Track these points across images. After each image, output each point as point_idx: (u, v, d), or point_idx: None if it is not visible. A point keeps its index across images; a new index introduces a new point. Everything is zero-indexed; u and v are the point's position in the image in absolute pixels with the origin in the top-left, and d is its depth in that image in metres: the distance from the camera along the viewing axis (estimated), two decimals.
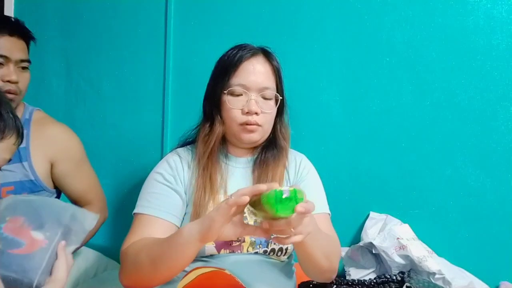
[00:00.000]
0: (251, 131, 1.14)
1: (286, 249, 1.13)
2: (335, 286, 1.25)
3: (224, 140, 1.20)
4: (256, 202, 0.85)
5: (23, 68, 1.30)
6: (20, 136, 0.97)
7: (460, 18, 1.48)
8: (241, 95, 1.13)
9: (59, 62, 1.87)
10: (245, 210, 0.85)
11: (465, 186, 1.48)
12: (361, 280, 1.32)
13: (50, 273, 0.89)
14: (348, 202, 1.55)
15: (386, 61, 1.54)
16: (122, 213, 1.73)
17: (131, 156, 1.76)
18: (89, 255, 1.53)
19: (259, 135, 1.16)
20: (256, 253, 1.11)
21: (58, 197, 1.44)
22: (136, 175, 1.72)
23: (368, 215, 1.53)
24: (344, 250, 1.49)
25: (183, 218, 1.13)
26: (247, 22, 1.65)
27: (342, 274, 1.50)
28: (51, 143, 1.35)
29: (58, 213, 0.95)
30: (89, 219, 0.98)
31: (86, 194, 1.43)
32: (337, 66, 1.57)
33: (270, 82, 1.15)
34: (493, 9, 1.46)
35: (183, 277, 0.94)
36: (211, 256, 1.09)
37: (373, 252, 1.44)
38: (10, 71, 1.25)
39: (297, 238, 0.87)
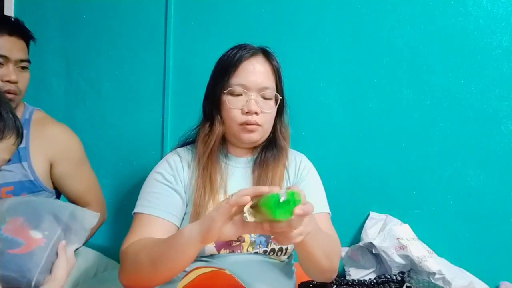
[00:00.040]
0: (251, 131, 1.14)
1: (286, 249, 1.13)
2: (335, 286, 1.25)
3: (224, 140, 1.20)
4: (255, 204, 0.85)
5: (23, 68, 1.30)
6: (19, 136, 0.97)
7: (460, 18, 1.48)
8: (241, 95, 1.13)
9: (59, 62, 1.87)
10: (244, 209, 0.85)
11: (465, 186, 1.48)
12: (361, 280, 1.32)
13: (50, 272, 0.89)
14: (348, 202, 1.55)
15: (386, 61, 1.54)
16: (122, 213, 1.73)
17: (131, 156, 1.76)
18: (89, 255, 1.53)
19: (259, 135, 1.16)
20: (256, 253, 1.11)
21: (58, 197, 1.44)
22: (136, 175, 1.72)
23: (368, 215, 1.53)
24: (344, 250, 1.49)
25: (183, 218, 1.13)
26: (247, 22, 1.65)
27: (342, 274, 1.50)
28: (51, 143, 1.35)
29: (58, 212, 0.95)
30: (89, 218, 0.98)
31: (85, 195, 1.42)
32: (337, 66, 1.57)
33: (270, 82, 1.15)
34: (493, 9, 1.46)
35: (183, 277, 0.94)
36: (211, 256, 1.09)
37: (373, 252, 1.44)
38: (10, 71, 1.25)
39: (297, 239, 0.87)
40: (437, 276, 1.33)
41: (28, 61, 1.31)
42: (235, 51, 1.15)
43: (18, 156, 1.29)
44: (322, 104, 1.59)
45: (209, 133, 1.16)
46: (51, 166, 1.36)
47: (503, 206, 1.45)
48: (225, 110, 1.14)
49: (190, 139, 1.25)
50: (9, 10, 1.91)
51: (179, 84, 1.72)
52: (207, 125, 1.18)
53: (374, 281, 1.29)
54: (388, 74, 1.53)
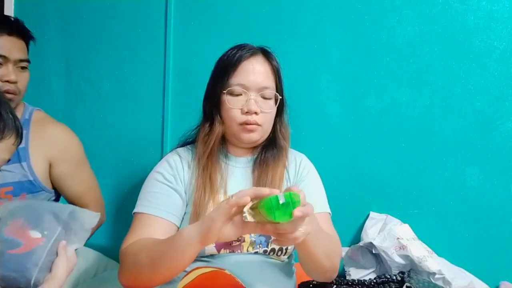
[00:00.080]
0: (251, 131, 1.14)
1: (286, 249, 1.13)
2: (335, 286, 1.25)
3: (224, 140, 1.20)
4: (255, 205, 0.85)
5: (22, 68, 1.29)
6: (19, 136, 0.97)
7: (460, 18, 1.48)
8: (241, 94, 1.13)
9: (59, 62, 1.87)
10: (244, 210, 0.85)
11: (465, 186, 1.48)
12: (361, 280, 1.32)
13: (50, 271, 0.90)
14: (348, 202, 1.55)
15: (386, 61, 1.54)
16: (122, 213, 1.73)
17: (131, 156, 1.76)
18: (89, 255, 1.52)
19: (259, 135, 1.16)
20: (256, 253, 1.11)
21: (57, 198, 1.44)
22: (136, 175, 1.72)
23: (368, 215, 1.53)
24: (344, 250, 1.49)
25: (182, 218, 1.13)
26: (247, 22, 1.65)
27: (342, 274, 1.50)
28: (51, 144, 1.34)
29: (57, 211, 0.96)
30: (89, 218, 0.99)
31: (84, 196, 1.42)
32: (337, 66, 1.57)
33: (270, 82, 1.15)
34: (493, 9, 1.46)
35: (183, 277, 0.94)
36: (211, 256, 1.09)
37: (373, 252, 1.44)
38: (9, 71, 1.24)
39: (298, 240, 0.87)
40: (437, 276, 1.33)
41: (28, 61, 1.31)
42: (234, 51, 1.15)
43: (18, 156, 1.29)
44: (322, 104, 1.59)
45: (209, 133, 1.16)
46: (50, 166, 1.35)
47: (503, 206, 1.45)
48: (225, 110, 1.14)
49: (190, 139, 1.25)
50: (9, 10, 1.91)
51: (179, 84, 1.72)
52: (207, 125, 1.18)
53: (374, 281, 1.29)
54: (388, 74, 1.54)
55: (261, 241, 1.10)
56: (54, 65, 1.87)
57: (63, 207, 0.99)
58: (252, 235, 1.10)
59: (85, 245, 1.41)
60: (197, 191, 1.11)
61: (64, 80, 1.86)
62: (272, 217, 0.79)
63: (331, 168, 1.52)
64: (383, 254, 1.39)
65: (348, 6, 1.56)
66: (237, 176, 1.18)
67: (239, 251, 1.10)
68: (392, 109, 1.53)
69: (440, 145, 1.50)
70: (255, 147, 1.21)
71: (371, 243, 1.42)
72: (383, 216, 1.51)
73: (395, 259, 1.38)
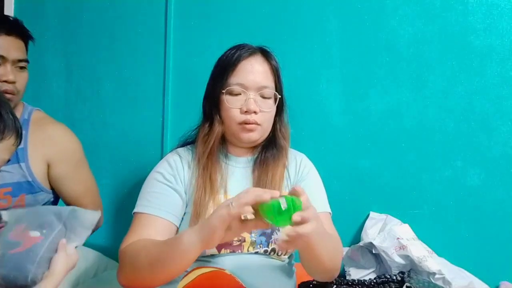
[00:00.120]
0: (250, 130, 1.13)
1: None
2: (335, 286, 1.25)
3: (224, 140, 1.20)
4: (255, 206, 0.86)
5: (21, 68, 1.28)
6: (19, 137, 0.97)
7: (460, 18, 1.48)
8: (240, 94, 1.13)
9: (59, 62, 1.87)
10: None
11: (465, 186, 1.48)
12: (361, 280, 1.32)
13: (49, 268, 0.90)
14: (348, 202, 1.55)
15: (386, 61, 1.54)
16: (122, 213, 1.73)
17: (131, 156, 1.76)
18: (89, 255, 1.52)
19: (258, 134, 1.15)
20: (257, 253, 1.11)
21: (56, 199, 1.43)
22: (136, 175, 1.72)
23: (368, 215, 1.53)
24: (344, 250, 1.49)
25: (182, 218, 1.13)
26: (247, 22, 1.65)
27: (342, 274, 1.50)
28: (50, 144, 1.34)
29: (59, 211, 0.97)
30: (89, 217, 1.00)
31: (82, 197, 1.40)
32: (337, 65, 1.57)
33: (269, 81, 1.15)
34: (493, 9, 1.46)
35: (184, 277, 0.95)
36: (212, 256, 1.09)
37: (373, 252, 1.44)
38: (7, 71, 1.23)
39: (301, 242, 0.88)
40: (437, 276, 1.33)
41: (26, 61, 1.30)
42: (233, 51, 1.15)
43: (16, 157, 1.28)
44: (322, 104, 1.59)
45: (208, 133, 1.16)
46: (48, 166, 1.34)
47: (503, 206, 1.45)
48: (224, 109, 1.14)
49: (190, 139, 1.25)
50: (9, 10, 1.91)
51: (179, 84, 1.72)
52: (207, 125, 1.18)
53: (374, 281, 1.29)
54: (388, 74, 1.54)
55: (261, 241, 1.10)
56: (54, 65, 1.87)
57: (65, 207, 1.00)
58: (253, 235, 1.10)
59: (85, 245, 1.42)
60: (197, 191, 1.11)
61: (64, 80, 1.86)
62: (273, 222, 0.80)
63: (331, 168, 1.52)
64: (383, 254, 1.39)
65: (348, 6, 1.56)
66: (237, 176, 1.18)
67: (239, 251, 1.10)
68: (392, 109, 1.53)
69: (440, 145, 1.50)
70: (255, 147, 1.21)
71: (371, 243, 1.42)
72: (383, 216, 1.51)
73: (395, 259, 1.38)
